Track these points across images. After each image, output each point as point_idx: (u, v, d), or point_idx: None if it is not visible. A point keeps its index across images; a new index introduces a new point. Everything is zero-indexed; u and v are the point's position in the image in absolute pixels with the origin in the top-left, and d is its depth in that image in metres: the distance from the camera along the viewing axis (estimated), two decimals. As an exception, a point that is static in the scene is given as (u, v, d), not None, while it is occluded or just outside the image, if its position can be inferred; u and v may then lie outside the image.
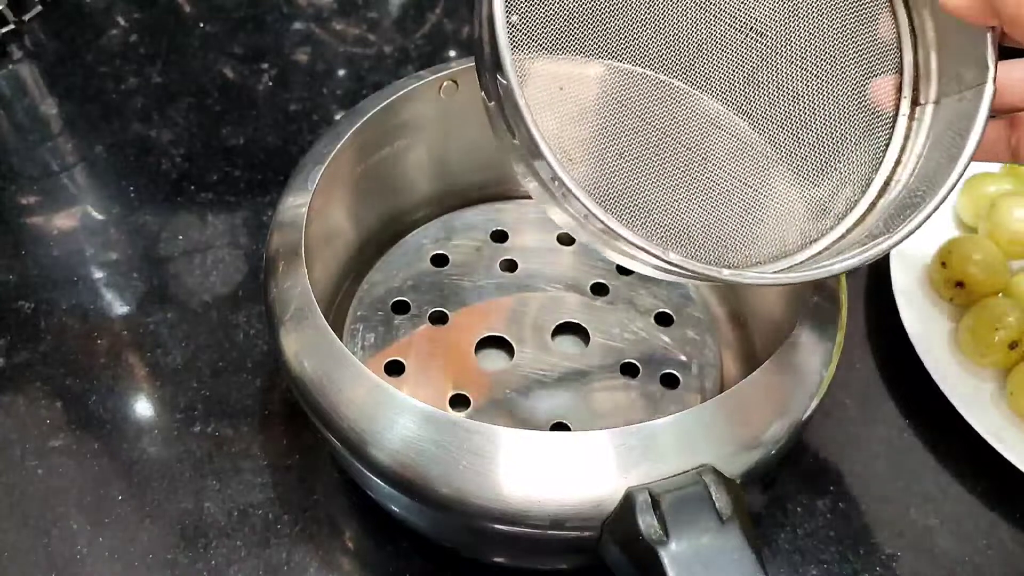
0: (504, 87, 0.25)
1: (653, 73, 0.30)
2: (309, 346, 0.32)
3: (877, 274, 0.51)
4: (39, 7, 0.65)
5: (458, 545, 0.37)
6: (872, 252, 0.28)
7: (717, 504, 0.27)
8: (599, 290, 0.43)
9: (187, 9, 0.66)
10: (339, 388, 0.31)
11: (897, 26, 0.31)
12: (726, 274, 0.27)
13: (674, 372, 0.40)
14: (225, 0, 0.66)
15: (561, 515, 0.28)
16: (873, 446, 0.44)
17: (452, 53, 0.64)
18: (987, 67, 0.28)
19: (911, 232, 0.28)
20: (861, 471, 0.43)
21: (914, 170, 0.31)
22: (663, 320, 0.43)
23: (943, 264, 0.47)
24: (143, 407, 0.44)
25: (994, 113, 0.29)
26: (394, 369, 0.40)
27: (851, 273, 0.32)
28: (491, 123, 0.28)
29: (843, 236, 0.31)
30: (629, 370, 0.40)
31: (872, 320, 0.49)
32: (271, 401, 0.44)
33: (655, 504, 0.27)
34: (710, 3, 0.29)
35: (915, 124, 0.31)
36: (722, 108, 0.30)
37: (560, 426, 0.38)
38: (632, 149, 0.29)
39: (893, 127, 0.32)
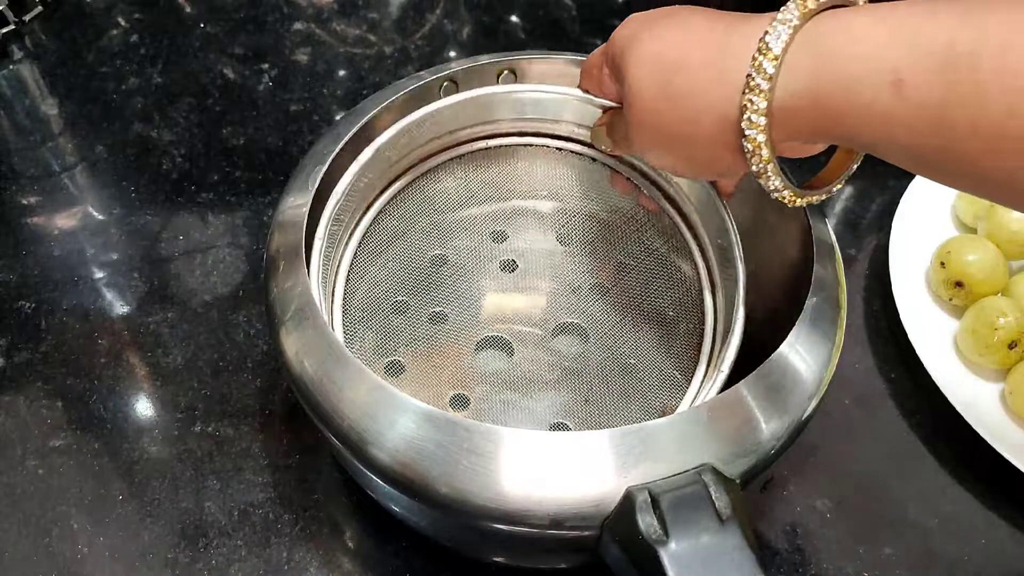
0: None
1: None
2: (309, 346, 0.32)
3: (877, 274, 0.51)
4: (40, 7, 0.65)
5: (458, 544, 0.37)
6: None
7: (717, 504, 0.27)
8: (599, 290, 0.43)
9: (188, 10, 0.66)
10: (339, 388, 0.31)
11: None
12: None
13: (674, 372, 0.40)
14: (226, 1, 0.66)
15: (561, 515, 0.28)
16: (873, 446, 0.44)
17: (452, 53, 0.64)
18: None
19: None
20: (861, 471, 0.43)
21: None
22: (663, 320, 0.43)
23: (942, 264, 0.47)
24: (144, 407, 0.44)
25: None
26: (394, 369, 0.40)
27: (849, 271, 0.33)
28: None
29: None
30: (629, 370, 0.40)
31: (872, 320, 0.49)
32: (271, 401, 0.44)
33: (655, 504, 0.27)
34: None
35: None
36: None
37: (560, 426, 0.38)
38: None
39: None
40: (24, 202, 0.53)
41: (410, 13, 0.67)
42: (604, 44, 0.34)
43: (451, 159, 0.45)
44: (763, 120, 0.26)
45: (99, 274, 0.49)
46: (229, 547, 0.39)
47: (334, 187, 0.40)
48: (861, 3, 0.27)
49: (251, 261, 0.50)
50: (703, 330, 0.43)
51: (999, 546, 0.41)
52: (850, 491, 0.42)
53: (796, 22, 0.25)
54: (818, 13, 0.26)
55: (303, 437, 0.43)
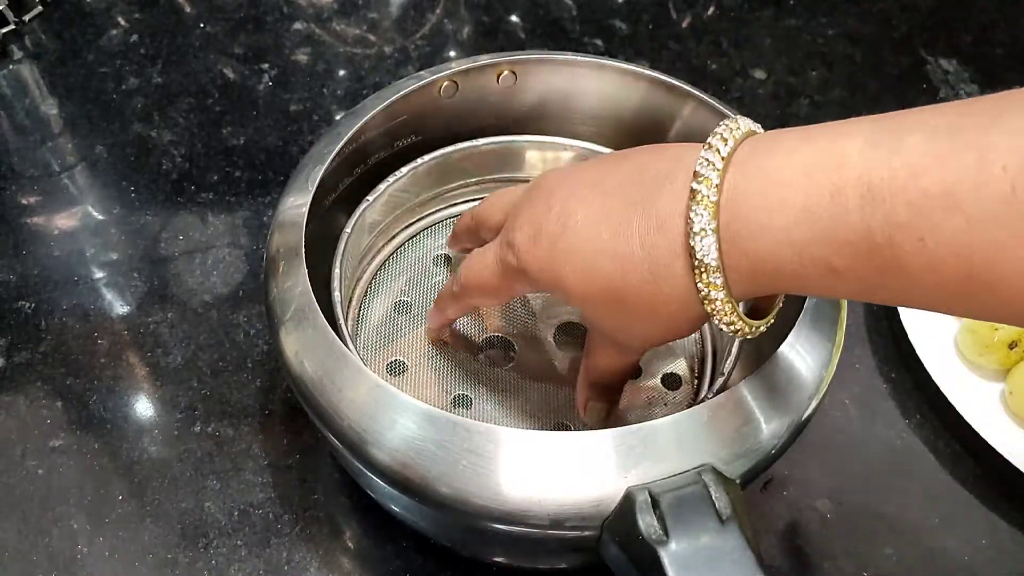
0: None
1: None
2: (309, 346, 0.32)
3: (877, 274, 0.51)
4: (39, 7, 0.65)
5: (458, 545, 0.37)
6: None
7: (717, 504, 0.27)
8: (599, 290, 0.43)
9: (188, 9, 0.66)
10: (339, 388, 0.30)
11: None
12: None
13: (675, 372, 0.40)
14: (226, 1, 0.66)
15: (561, 515, 0.28)
16: (873, 446, 0.44)
17: (452, 53, 0.64)
18: None
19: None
20: (861, 471, 0.43)
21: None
22: (663, 320, 0.42)
23: (943, 264, 0.47)
24: (144, 407, 0.44)
25: None
26: (396, 369, 0.40)
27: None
28: None
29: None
30: (629, 370, 0.40)
31: (872, 320, 0.49)
32: (271, 401, 0.44)
33: (655, 504, 0.27)
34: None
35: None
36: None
37: (561, 426, 0.38)
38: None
39: None
40: (24, 202, 0.53)
41: (410, 13, 0.67)
42: (489, 256, 0.33)
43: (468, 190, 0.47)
44: (722, 296, 0.26)
45: (99, 274, 0.49)
46: (229, 547, 0.39)
47: (334, 187, 0.40)
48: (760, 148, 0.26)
49: (251, 261, 0.50)
50: (703, 330, 0.43)
51: (999, 546, 0.41)
52: (850, 491, 0.42)
53: (712, 223, 0.25)
54: (726, 179, 0.25)
55: (303, 437, 0.43)
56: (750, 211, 0.25)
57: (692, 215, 0.25)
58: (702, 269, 0.26)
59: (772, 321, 0.30)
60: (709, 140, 0.26)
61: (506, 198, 0.36)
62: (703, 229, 0.25)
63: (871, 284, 0.24)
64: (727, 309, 0.27)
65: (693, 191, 0.25)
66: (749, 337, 0.29)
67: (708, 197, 0.25)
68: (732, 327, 0.27)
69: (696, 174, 0.26)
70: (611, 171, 0.29)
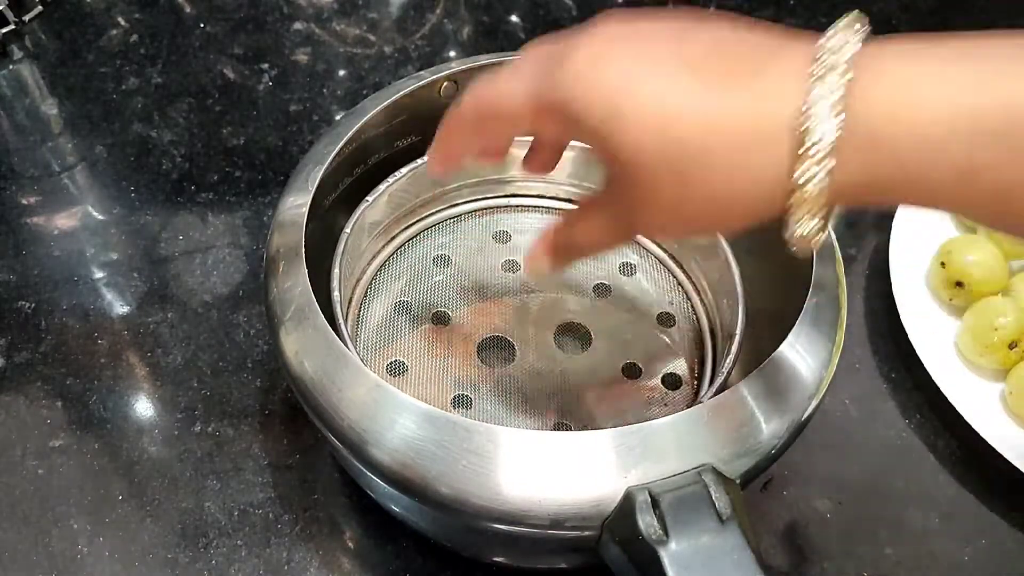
0: None
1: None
2: (309, 346, 0.32)
3: (877, 274, 0.51)
4: (40, 7, 0.65)
5: (458, 545, 0.37)
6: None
7: (717, 504, 0.27)
8: (601, 291, 0.43)
9: (188, 9, 0.66)
10: (339, 388, 0.31)
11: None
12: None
13: (675, 372, 0.40)
14: (226, 1, 0.66)
15: (561, 515, 0.28)
16: (873, 446, 0.44)
17: (452, 53, 0.64)
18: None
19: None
20: (861, 471, 0.43)
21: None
22: (665, 321, 0.43)
23: (942, 264, 0.47)
24: (144, 407, 0.44)
25: None
26: (396, 369, 0.40)
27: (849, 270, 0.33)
28: None
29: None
30: (630, 370, 0.40)
31: (872, 320, 0.49)
32: (271, 401, 0.44)
33: (655, 504, 0.27)
34: None
35: None
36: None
37: (561, 426, 0.38)
38: None
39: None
40: (24, 202, 0.53)
41: (410, 13, 0.67)
42: (525, 75, 0.27)
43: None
44: (822, 187, 0.23)
45: (99, 274, 0.49)
46: (229, 547, 0.39)
47: (334, 187, 0.40)
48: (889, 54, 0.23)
49: (251, 261, 0.50)
50: (703, 330, 0.43)
51: (999, 546, 0.41)
52: (850, 491, 0.42)
53: (840, 92, 0.22)
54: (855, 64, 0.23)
55: (303, 437, 0.43)
56: (882, 104, 0.22)
57: (815, 92, 0.23)
58: (812, 152, 0.23)
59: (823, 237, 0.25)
60: (827, 32, 0.24)
61: (527, 68, 0.27)
62: (831, 106, 0.22)
63: (1007, 183, 0.21)
64: (815, 205, 0.23)
65: (818, 65, 0.23)
66: (812, 247, 0.25)
67: (836, 72, 0.23)
68: (802, 229, 0.24)
69: (821, 48, 0.23)
70: (689, 39, 0.25)
